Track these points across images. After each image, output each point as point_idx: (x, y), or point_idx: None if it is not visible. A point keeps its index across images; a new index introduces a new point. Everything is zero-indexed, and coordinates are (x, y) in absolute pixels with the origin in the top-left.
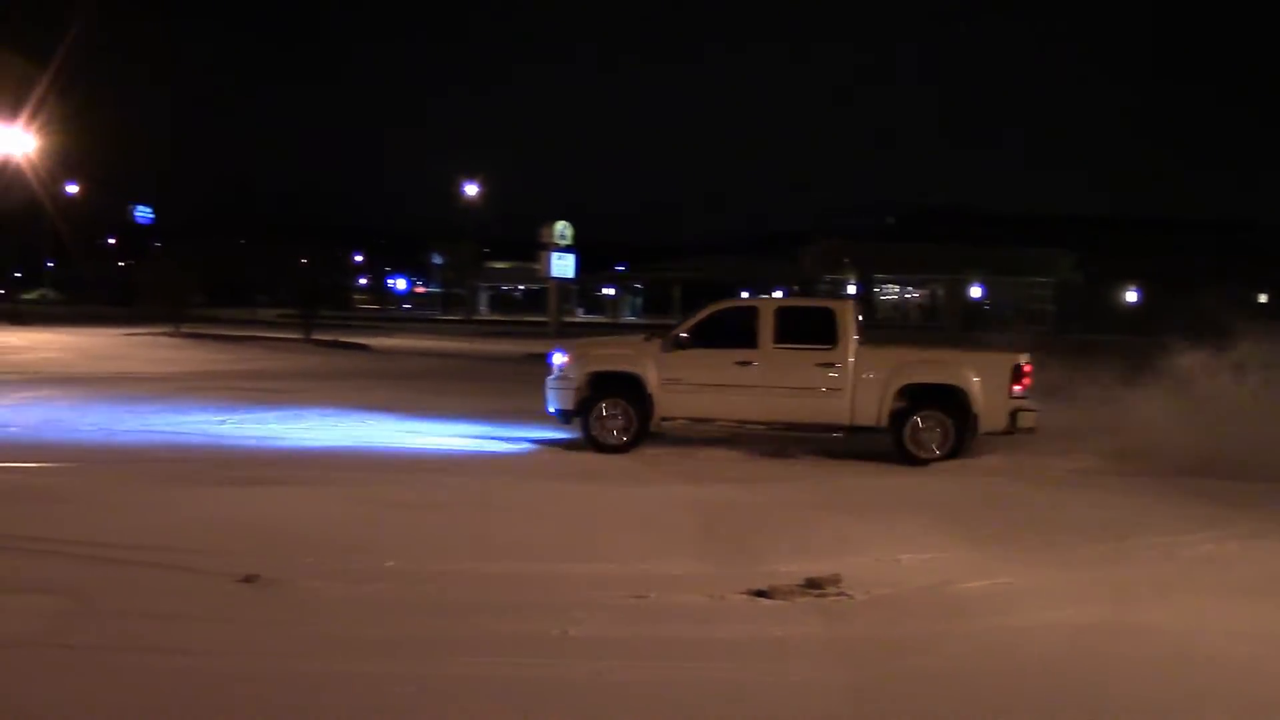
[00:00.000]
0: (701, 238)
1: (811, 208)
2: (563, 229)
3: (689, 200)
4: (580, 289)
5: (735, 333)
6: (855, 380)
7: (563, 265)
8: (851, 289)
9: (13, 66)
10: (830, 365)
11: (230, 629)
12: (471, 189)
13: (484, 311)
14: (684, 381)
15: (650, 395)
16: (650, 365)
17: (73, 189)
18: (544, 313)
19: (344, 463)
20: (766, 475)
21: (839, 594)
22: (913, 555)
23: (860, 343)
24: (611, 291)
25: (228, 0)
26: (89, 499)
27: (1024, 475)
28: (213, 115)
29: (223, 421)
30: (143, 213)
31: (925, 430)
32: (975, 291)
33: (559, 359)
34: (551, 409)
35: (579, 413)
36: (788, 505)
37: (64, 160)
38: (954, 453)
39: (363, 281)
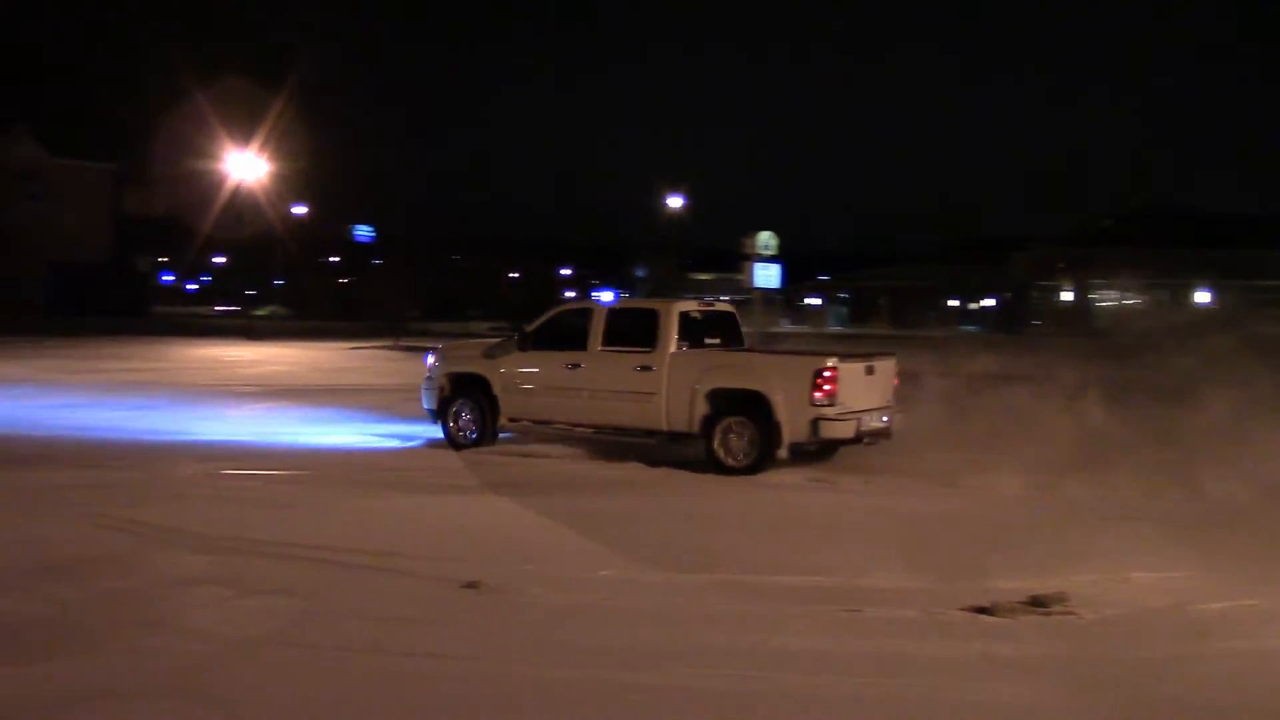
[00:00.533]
0: (908, 246)
1: (1014, 212)
2: (767, 239)
3: (900, 206)
4: (784, 299)
5: (571, 335)
6: (669, 384)
7: (767, 276)
8: (1068, 295)
9: (248, 95)
10: (648, 369)
11: (455, 632)
12: (675, 201)
13: None
14: (524, 384)
15: (496, 396)
16: (500, 367)
17: (300, 210)
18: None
19: (553, 476)
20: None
21: (1066, 612)
22: (1144, 573)
23: (689, 347)
24: (817, 301)
25: (441, 34)
26: (319, 505)
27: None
28: (429, 137)
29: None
30: (363, 232)
31: (734, 437)
32: (1203, 297)
33: (430, 360)
34: (425, 407)
35: (440, 412)
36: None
37: (293, 183)
38: (758, 463)
39: (570, 294)
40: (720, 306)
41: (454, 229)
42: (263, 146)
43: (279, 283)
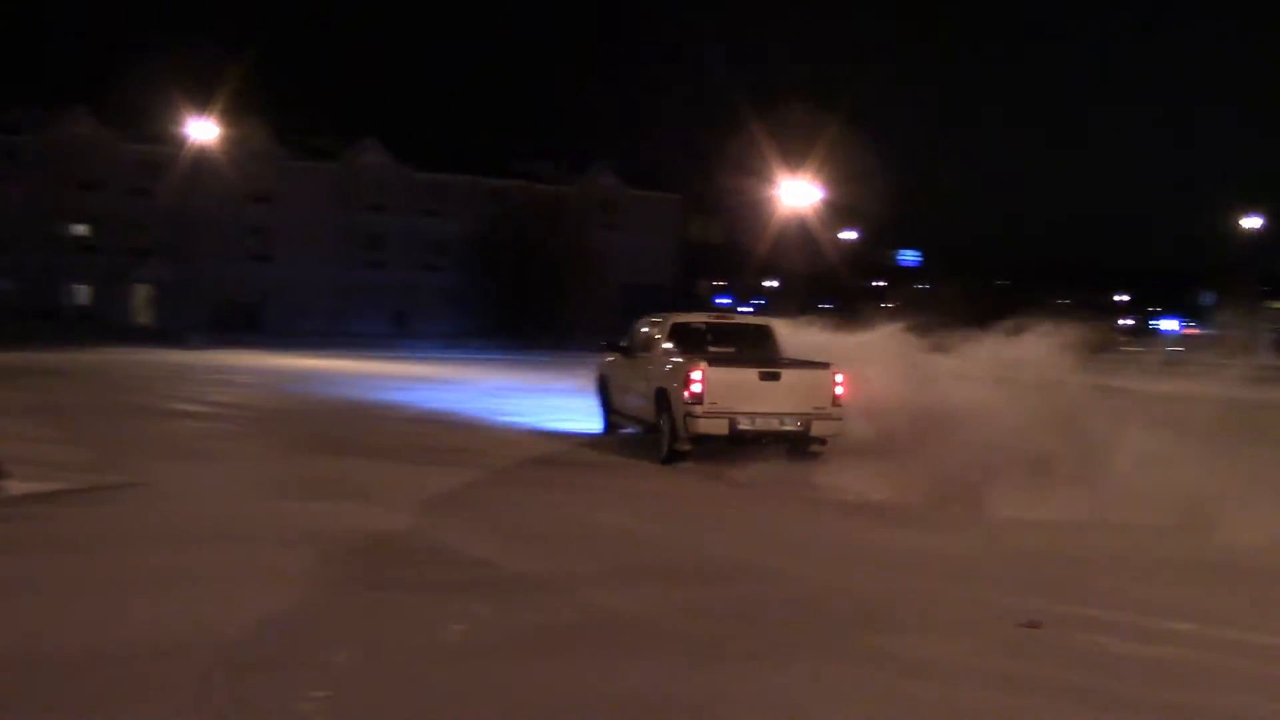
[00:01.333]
0: None
1: None
2: None
3: None
4: None
5: (643, 343)
6: (648, 383)
7: None
8: None
9: (803, 122)
10: (644, 369)
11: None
12: (1252, 221)
13: (1266, 356)
14: (617, 383)
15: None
16: (611, 369)
17: (849, 235)
18: None
19: None
20: None
21: None
22: None
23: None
24: None
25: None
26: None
27: None
28: (979, 160)
29: None
30: (907, 256)
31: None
32: None
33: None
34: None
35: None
36: None
37: (843, 209)
38: (670, 455)
39: (1126, 322)
40: (748, 319)
41: (1008, 253)
42: (815, 172)
43: (826, 306)
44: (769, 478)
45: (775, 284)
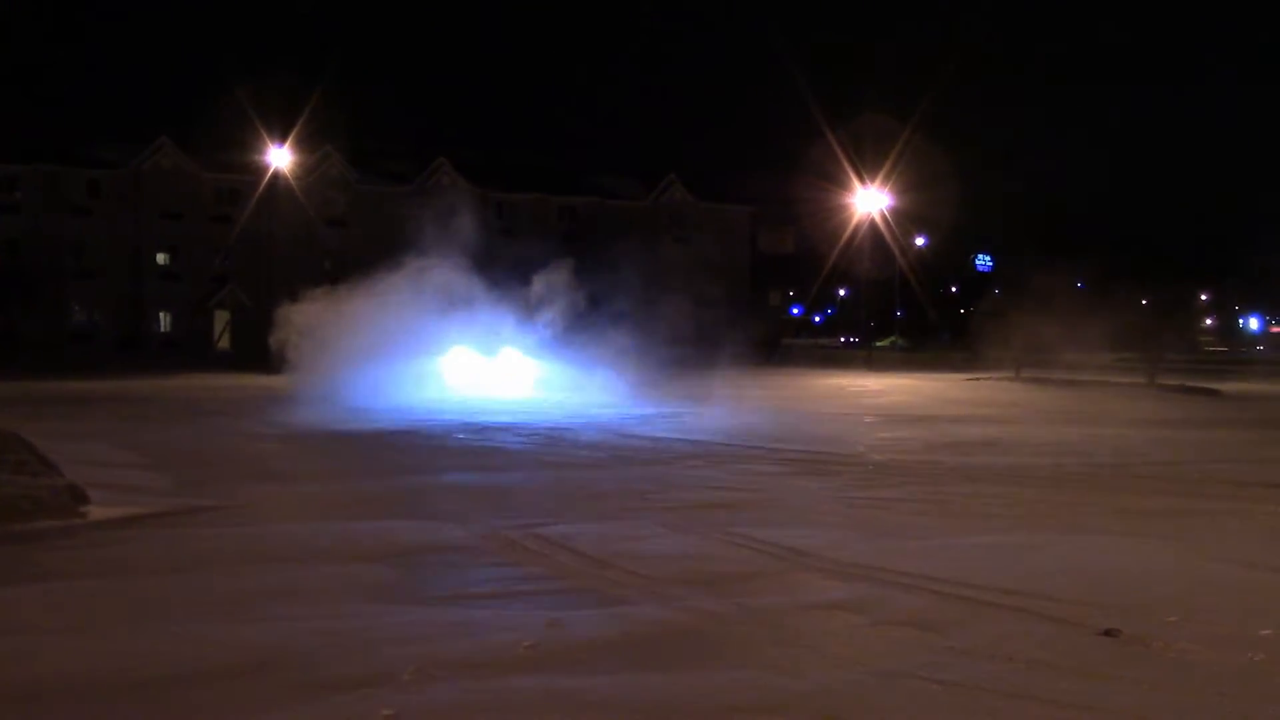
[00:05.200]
0: None
1: None
2: None
3: None
4: None
5: None
6: None
7: None
8: None
9: (876, 131)
10: None
11: (1095, 685)
12: None
13: None
14: None
15: None
16: None
17: (921, 241)
18: None
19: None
20: None
21: None
22: None
23: None
24: None
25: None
26: (944, 537)
27: None
28: (1047, 160)
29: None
30: (983, 261)
31: None
32: None
33: None
34: None
35: None
36: None
37: (915, 215)
38: None
39: (1209, 322)
40: None
41: (1083, 255)
42: (886, 180)
43: (899, 314)
44: None
45: (844, 293)
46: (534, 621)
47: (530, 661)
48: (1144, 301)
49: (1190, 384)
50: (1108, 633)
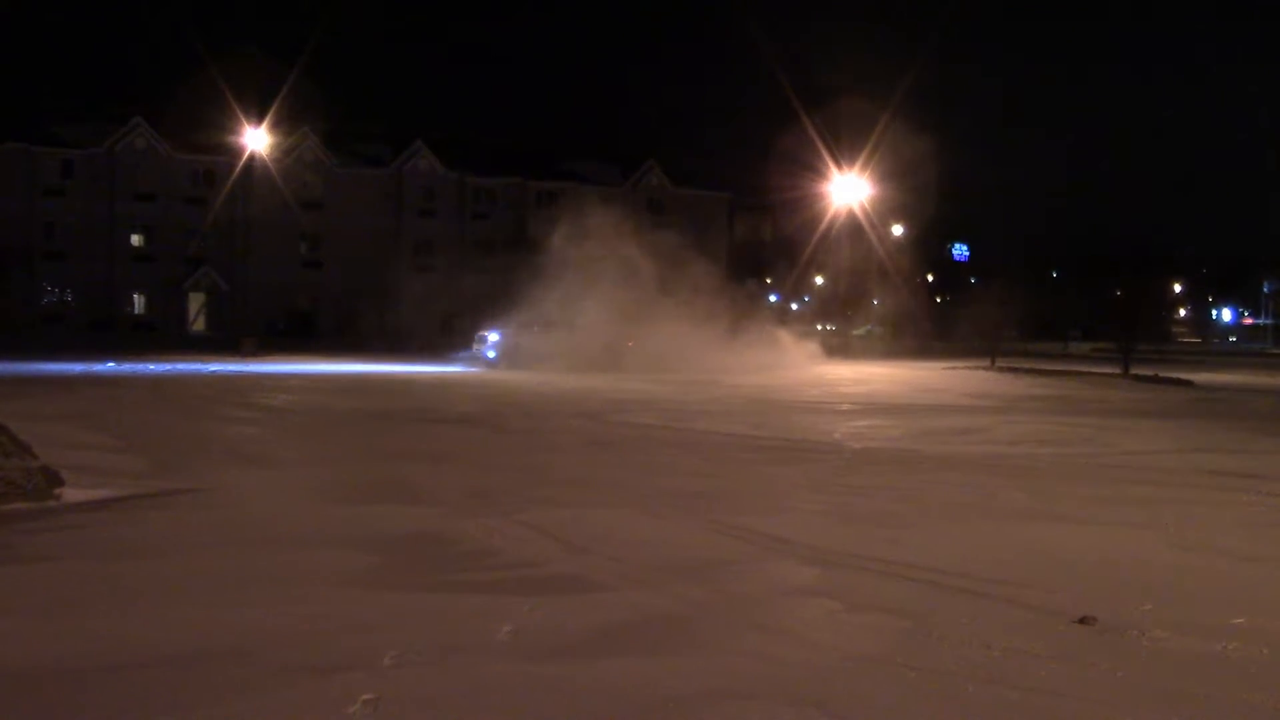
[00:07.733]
0: None
1: None
2: None
3: None
4: None
5: None
6: None
7: None
8: None
9: (852, 117)
10: None
11: (1069, 671)
12: None
13: None
14: None
15: None
16: None
17: (898, 230)
18: None
19: (1162, 499)
20: None
21: None
22: None
23: None
24: None
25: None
26: (921, 525)
27: None
28: (1024, 152)
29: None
30: (959, 250)
31: None
32: None
33: None
34: None
35: None
36: None
37: (893, 204)
38: None
39: (1181, 313)
40: None
41: (1058, 247)
42: (863, 169)
43: (876, 302)
44: None
45: (823, 280)
46: (515, 608)
47: (511, 648)
48: (1118, 292)
49: (1163, 374)
50: (1083, 620)
